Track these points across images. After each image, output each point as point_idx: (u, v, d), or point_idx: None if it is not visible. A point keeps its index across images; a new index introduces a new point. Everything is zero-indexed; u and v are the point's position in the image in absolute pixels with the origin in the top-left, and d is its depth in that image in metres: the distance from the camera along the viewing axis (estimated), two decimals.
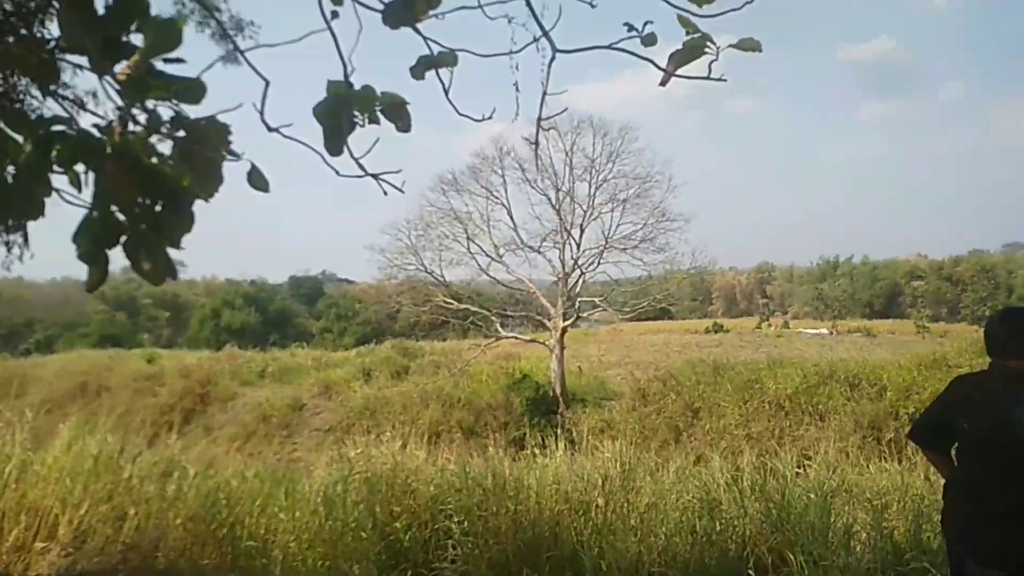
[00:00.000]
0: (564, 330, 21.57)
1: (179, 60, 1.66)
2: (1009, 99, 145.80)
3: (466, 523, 5.79)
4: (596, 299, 23.20)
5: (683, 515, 6.31)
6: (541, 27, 2.11)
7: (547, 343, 21.86)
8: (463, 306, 22.11)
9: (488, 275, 22.55)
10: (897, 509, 5.72)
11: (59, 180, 1.63)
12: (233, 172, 1.76)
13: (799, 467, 7.78)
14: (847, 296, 69.07)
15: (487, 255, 22.47)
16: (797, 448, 15.80)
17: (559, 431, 19.06)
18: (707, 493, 6.52)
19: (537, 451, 7.86)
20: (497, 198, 22.71)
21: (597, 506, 6.35)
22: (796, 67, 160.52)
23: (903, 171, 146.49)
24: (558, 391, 20.89)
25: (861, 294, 69.43)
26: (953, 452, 3.35)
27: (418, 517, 5.93)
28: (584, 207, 22.52)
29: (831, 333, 48.86)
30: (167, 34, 1.64)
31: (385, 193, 2.38)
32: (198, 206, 1.73)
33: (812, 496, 6.15)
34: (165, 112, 1.68)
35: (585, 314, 23.51)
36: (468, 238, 22.24)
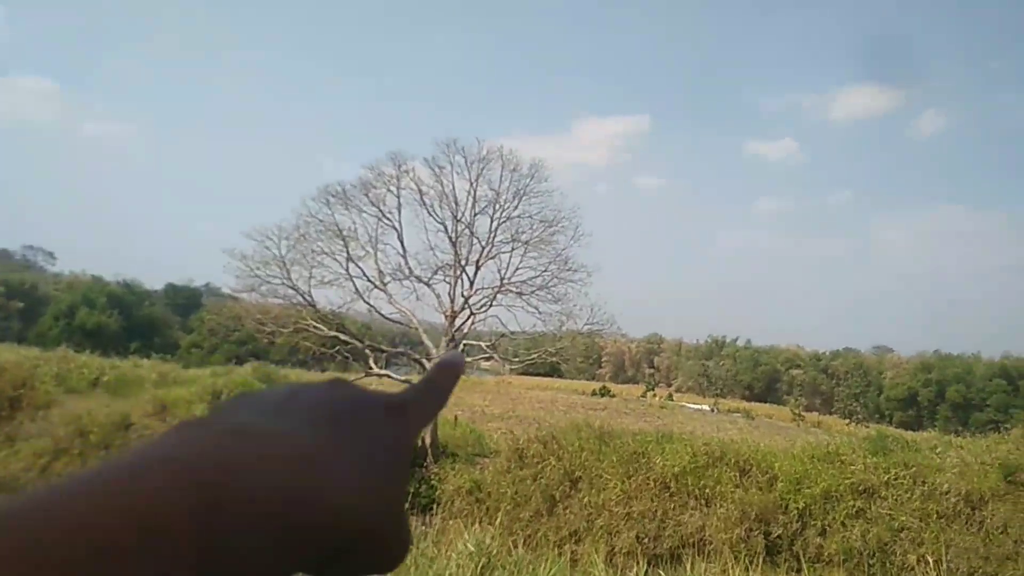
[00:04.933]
0: None
1: None
2: (887, 214, 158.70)
3: None
4: (483, 343, 21.31)
5: None
6: None
7: None
8: (332, 333, 19.64)
9: (366, 302, 20.18)
10: None
11: None
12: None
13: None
14: (730, 376, 70.68)
15: (369, 280, 20.25)
16: (679, 535, 14.47)
17: (422, 488, 16.96)
18: None
19: None
20: (389, 220, 20.66)
21: None
22: (704, 153, 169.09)
23: (789, 265, 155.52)
24: (427, 442, 18.74)
25: (743, 376, 71.22)
26: None
27: None
28: (483, 243, 20.85)
29: (713, 411, 49.21)
30: None
31: None
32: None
33: None
34: None
35: (471, 358, 21.56)
36: (349, 258, 19.95)
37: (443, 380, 0.47)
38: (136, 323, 54.68)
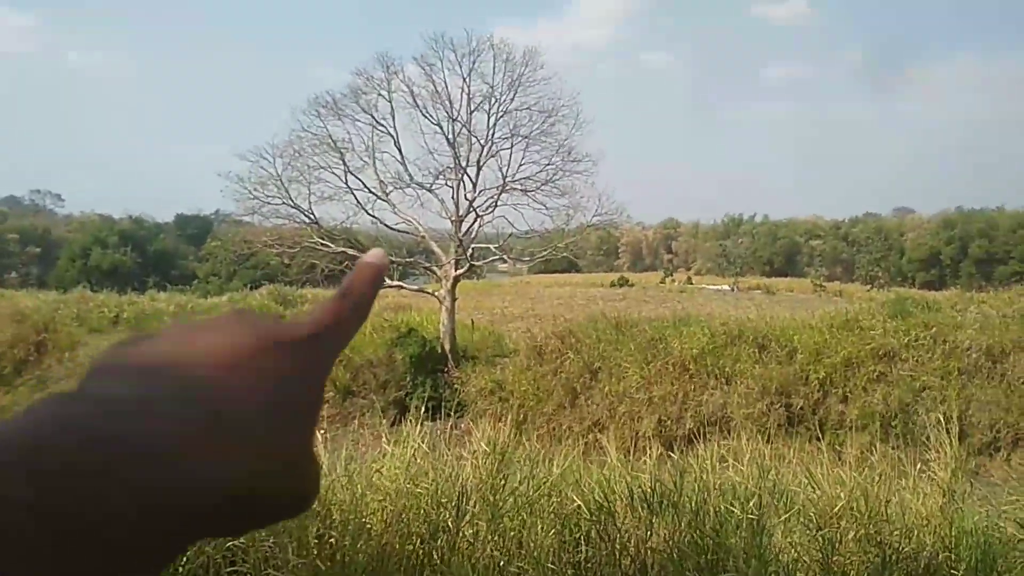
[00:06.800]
0: (456, 280, 19.42)
1: None
2: (903, 70, 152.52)
3: (243, 559, 3.72)
4: (492, 246, 21.04)
5: (564, 528, 4.54)
6: None
7: (437, 294, 19.67)
8: (340, 249, 19.41)
9: (369, 214, 19.85)
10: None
11: None
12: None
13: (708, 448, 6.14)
14: (749, 254, 70.12)
15: (370, 191, 19.84)
16: (701, 415, 14.63)
17: (445, 392, 17.19)
18: (600, 502, 4.73)
19: (387, 439, 5.87)
20: (383, 126, 19.99)
21: (446, 529, 4.44)
22: (710, 20, 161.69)
23: (803, 134, 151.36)
24: (447, 347, 18.86)
25: (762, 252, 70.70)
26: None
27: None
28: (482, 142, 20.19)
29: (733, 290, 49.19)
30: None
31: None
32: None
33: (737, 511, 4.43)
34: None
35: (481, 263, 21.36)
36: (347, 170, 19.49)
37: (362, 286, 0.42)
38: (151, 258, 54.88)
